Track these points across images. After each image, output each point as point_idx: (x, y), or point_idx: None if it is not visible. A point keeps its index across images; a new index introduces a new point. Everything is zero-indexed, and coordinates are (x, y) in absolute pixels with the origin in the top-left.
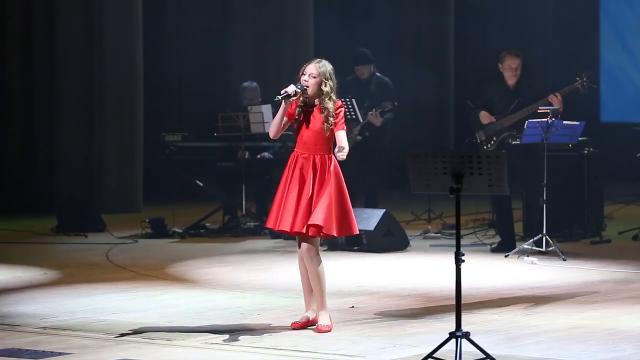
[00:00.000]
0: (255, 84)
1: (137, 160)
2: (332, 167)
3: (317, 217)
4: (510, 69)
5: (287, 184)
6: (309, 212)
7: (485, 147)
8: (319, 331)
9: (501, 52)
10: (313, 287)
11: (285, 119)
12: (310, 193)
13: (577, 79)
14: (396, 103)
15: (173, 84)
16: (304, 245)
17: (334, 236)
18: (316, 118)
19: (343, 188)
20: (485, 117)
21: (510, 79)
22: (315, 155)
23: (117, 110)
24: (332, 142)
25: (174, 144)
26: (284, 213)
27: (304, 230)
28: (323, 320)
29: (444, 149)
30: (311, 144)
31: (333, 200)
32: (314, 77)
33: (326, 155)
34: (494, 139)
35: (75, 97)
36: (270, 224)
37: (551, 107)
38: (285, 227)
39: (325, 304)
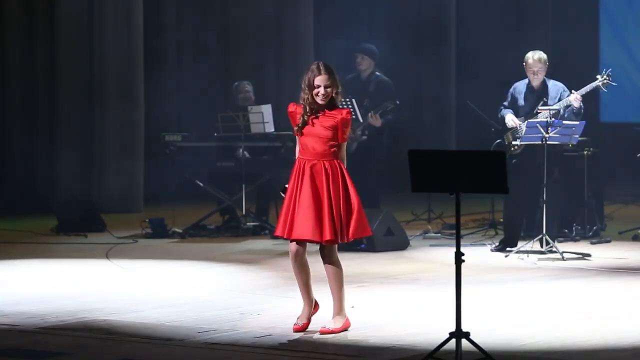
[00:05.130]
0: (246, 82)
1: (137, 160)
2: (343, 171)
3: (358, 225)
4: (531, 71)
5: (298, 192)
6: (333, 219)
7: (512, 149)
8: (322, 332)
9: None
10: (332, 290)
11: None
12: (329, 201)
13: (598, 77)
14: (398, 102)
15: (172, 84)
16: (326, 251)
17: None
18: (323, 125)
19: (356, 191)
20: (510, 120)
21: (534, 81)
22: (325, 162)
23: (117, 110)
24: (338, 147)
25: (174, 144)
26: (299, 221)
27: (335, 239)
28: (333, 323)
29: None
30: (319, 150)
31: (357, 203)
32: (328, 88)
33: (335, 161)
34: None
35: (76, 98)
36: (279, 232)
37: (551, 107)
38: (306, 235)
39: (342, 310)
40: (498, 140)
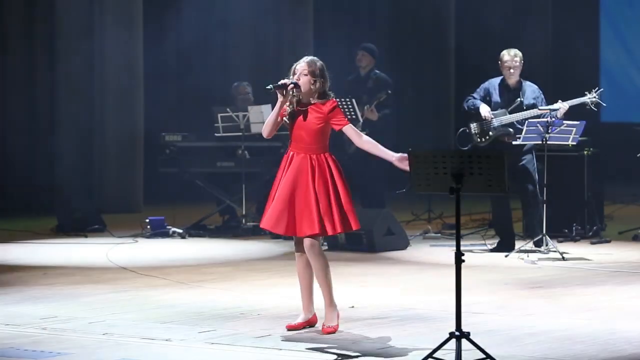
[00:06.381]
0: (245, 83)
1: (137, 160)
2: (331, 165)
3: (328, 219)
4: (507, 68)
5: (281, 184)
6: (314, 212)
7: (478, 140)
8: (325, 332)
9: (501, 51)
10: (319, 283)
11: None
12: (313, 193)
13: (586, 93)
14: (390, 91)
15: (173, 83)
16: (307, 241)
17: (339, 232)
18: (310, 117)
19: (345, 184)
20: (486, 112)
21: (510, 78)
22: (312, 155)
23: (118, 110)
24: (327, 139)
25: (174, 144)
26: (282, 215)
27: (308, 232)
28: (329, 319)
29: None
30: (306, 143)
31: (342, 198)
32: (305, 75)
33: (323, 154)
34: (490, 134)
35: (76, 97)
36: (264, 224)
37: (551, 107)
38: (283, 230)
39: (332, 302)
40: (462, 129)
